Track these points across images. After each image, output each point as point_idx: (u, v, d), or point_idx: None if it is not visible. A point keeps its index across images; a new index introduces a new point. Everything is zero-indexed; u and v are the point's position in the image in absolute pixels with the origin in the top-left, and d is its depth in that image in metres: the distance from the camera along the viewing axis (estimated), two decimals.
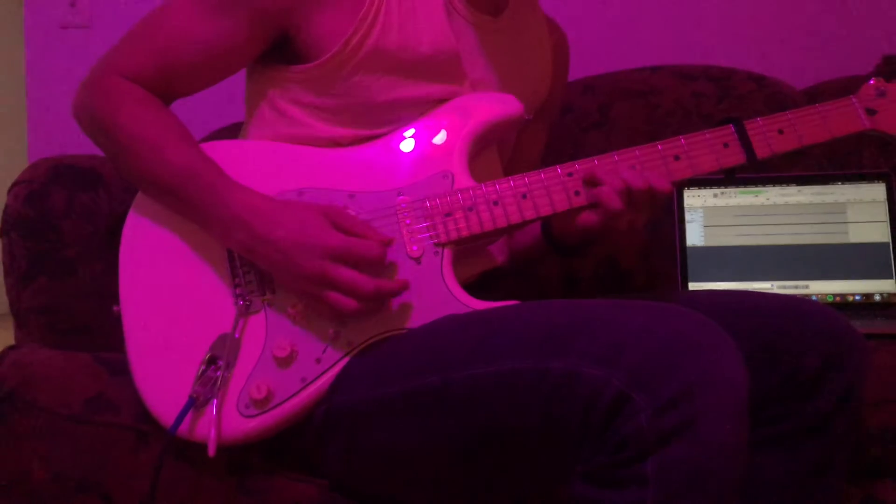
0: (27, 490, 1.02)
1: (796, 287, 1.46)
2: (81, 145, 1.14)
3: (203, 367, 0.97)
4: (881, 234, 1.45)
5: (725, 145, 1.03)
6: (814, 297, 1.44)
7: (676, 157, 1.03)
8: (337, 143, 1.05)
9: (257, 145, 1.07)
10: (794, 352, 0.97)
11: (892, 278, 1.44)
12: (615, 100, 1.66)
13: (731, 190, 1.50)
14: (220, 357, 0.97)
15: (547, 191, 1.01)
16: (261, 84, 1.09)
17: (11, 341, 1.20)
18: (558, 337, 0.85)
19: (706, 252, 1.49)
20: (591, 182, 1.00)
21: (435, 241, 0.99)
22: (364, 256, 0.94)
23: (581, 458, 0.81)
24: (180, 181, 0.99)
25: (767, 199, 1.49)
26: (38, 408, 1.03)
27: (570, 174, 1.02)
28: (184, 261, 1.02)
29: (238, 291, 1.00)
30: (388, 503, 1.00)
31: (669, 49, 1.81)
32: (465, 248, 1.03)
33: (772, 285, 1.46)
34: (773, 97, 1.64)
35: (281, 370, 0.97)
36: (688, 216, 1.50)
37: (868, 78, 1.10)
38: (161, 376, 0.99)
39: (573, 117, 1.63)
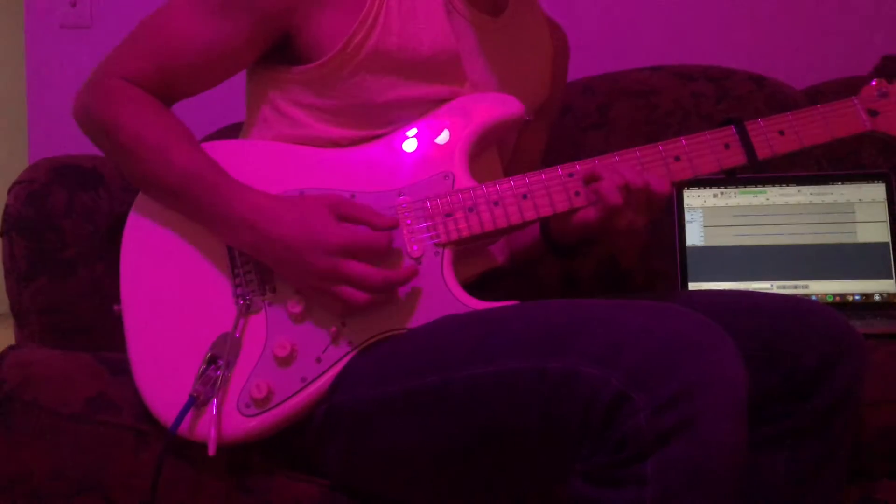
0: (27, 490, 1.02)
1: (796, 287, 1.46)
2: (82, 145, 1.14)
3: (203, 367, 0.97)
4: (881, 234, 1.45)
5: (726, 146, 1.03)
6: (814, 297, 1.44)
7: (677, 158, 1.03)
8: (337, 143, 1.06)
9: (258, 145, 1.08)
10: (794, 351, 0.97)
11: (891, 278, 1.44)
12: (615, 100, 1.66)
13: (730, 190, 1.50)
14: (221, 356, 0.97)
15: (547, 191, 1.01)
16: (261, 85, 1.09)
17: (11, 341, 1.20)
18: (558, 337, 0.85)
19: (706, 252, 1.49)
20: (591, 178, 1.00)
21: (435, 241, 1.00)
22: (371, 247, 0.95)
23: (580, 458, 0.81)
24: (184, 182, 0.99)
25: (767, 199, 1.49)
26: (38, 407, 1.03)
27: (570, 175, 1.02)
28: (185, 260, 1.02)
29: (239, 291, 1.00)
30: (388, 502, 1.00)
31: (669, 49, 1.81)
32: (465, 249, 1.03)
33: (771, 285, 1.46)
34: (773, 97, 1.64)
35: (281, 369, 0.97)
36: (687, 216, 1.50)
37: (869, 79, 1.10)
38: (162, 375, 0.99)
39: (573, 117, 1.63)
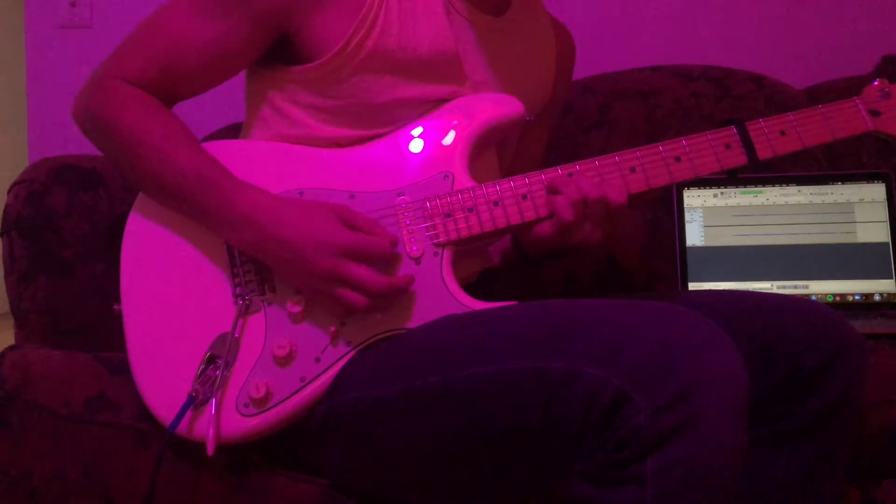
0: (27, 490, 1.02)
1: (796, 287, 1.46)
2: (81, 145, 1.14)
3: (202, 366, 0.97)
4: (881, 234, 1.45)
5: (727, 146, 1.03)
6: (814, 297, 1.44)
7: (678, 159, 1.02)
8: (337, 143, 1.06)
9: (257, 145, 1.08)
10: (794, 352, 0.97)
11: (891, 278, 1.44)
12: (615, 100, 1.66)
13: (730, 190, 1.50)
14: (220, 356, 0.97)
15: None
16: (260, 85, 1.09)
17: (11, 341, 1.20)
18: (558, 337, 0.85)
19: (706, 252, 1.49)
20: (551, 190, 1.00)
21: (435, 241, 1.00)
22: (374, 253, 0.95)
23: (580, 458, 0.81)
24: (186, 183, 0.99)
25: (767, 199, 1.49)
26: (38, 407, 1.03)
27: (570, 175, 1.01)
28: (184, 260, 1.02)
29: (238, 291, 1.00)
30: (387, 502, 1.00)
31: (669, 49, 1.81)
32: (464, 249, 1.03)
33: (772, 285, 1.46)
34: (773, 97, 1.64)
35: (280, 369, 0.97)
36: (688, 216, 1.50)
37: (870, 79, 1.10)
38: (161, 374, 0.99)
39: (573, 117, 1.63)
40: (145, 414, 1.00)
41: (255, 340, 0.98)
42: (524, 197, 1.01)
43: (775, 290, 1.46)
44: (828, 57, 1.80)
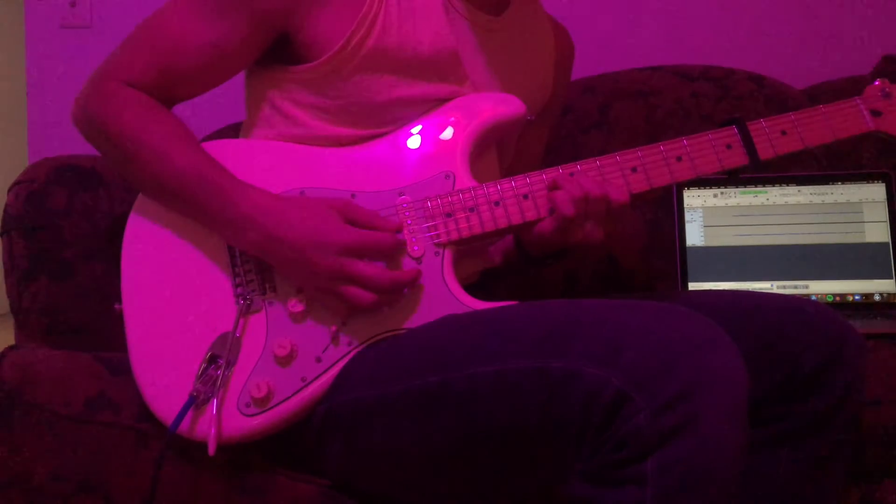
0: (27, 490, 1.02)
1: (796, 287, 1.46)
2: (82, 145, 1.13)
3: (204, 366, 0.97)
4: (881, 233, 1.45)
5: (728, 146, 1.03)
6: (814, 297, 1.44)
7: (679, 159, 1.03)
8: (338, 142, 1.05)
9: (258, 144, 1.08)
10: (794, 352, 0.97)
11: (891, 278, 1.44)
12: (615, 100, 1.66)
13: (730, 190, 1.50)
14: (221, 356, 0.97)
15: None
16: (260, 84, 1.09)
17: (11, 341, 1.20)
18: (558, 337, 0.85)
19: (706, 252, 1.49)
20: (553, 187, 1.00)
21: (436, 241, 1.00)
22: (378, 248, 0.95)
23: (580, 458, 0.81)
24: (188, 184, 0.99)
25: (767, 199, 1.49)
26: (38, 407, 1.03)
27: (571, 174, 1.01)
28: (185, 260, 1.02)
29: (239, 290, 1.00)
30: (388, 502, 1.00)
31: (669, 49, 1.81)
32: (465, 249, 1.03)
33: (772, 285, 1.46)
34: (773, 97, 1.64)
35: (281, 369, 0.97)
36: (688, 216, 1.50)
37: (870, 79, 1.10)
38: (162, 374, 0.99)
39: (573, 117, 1.63)
40: (145, 414, 1.00)
41: (257, 340, 0.98)
42: (525, 197, 1.01)
43: (775, 290, 1.46)
44: (828, 57, 1.80)
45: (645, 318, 0.83)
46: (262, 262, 1.00)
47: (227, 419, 0.96)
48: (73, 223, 1.23)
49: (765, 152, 1.03)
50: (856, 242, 1.46)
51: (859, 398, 1.00)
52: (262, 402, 0.96)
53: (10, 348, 1.12)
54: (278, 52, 1.06)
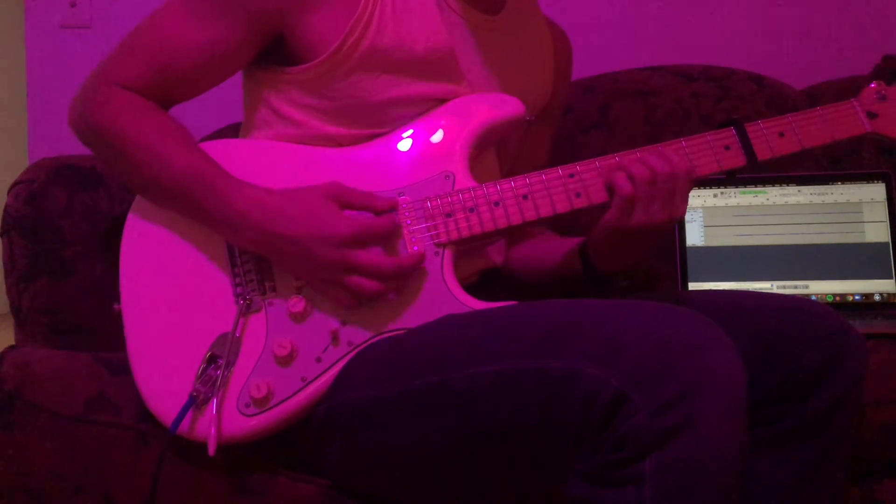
0: (27, 490, 1.02)
1: (796, 287, 1.46)
2: (81, 145, 1.13)
3: (203, 366, 0.97)
4: (881, 233, 1.45)
5: (726, 147, 1.03)
6: (814, 297, 1.44)
7: None
8: (336, 142, 1.06)
9: (256, 144, 1.08)
10: (793, 352, 0.97)
11: (891, 278, 1.44)
12: (615, 100, 1.66)
13: (730, 190, 1.50)
14: (221, 356, 0.97)
15: (548, 192, 1.01)
16: (257, 85, 1.09)
17: (11, 341, 1.20)
18: (557, 337, 0.85)
19: (706, 252, 1.49)
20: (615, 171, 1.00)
21: (435, 241, 1.00)
22: (378, 234, 0.96)
23: (580, 458, 0.81)
24: (185, 185, 0.99)
25: (767, 199, 1.49)
26: (38, 408, 1.03)
27: (571, 175, 1.02)
28: (185, 259, 1.02)
29: (238, 290, 1.00)
30: (387, 502, 1.00)
31: (669, 49, 1.81)
32: (465, 249, 1.03)
33: (772, 285, 1.46)
34: (773, 97, 1.64)
35: (281, 369, 0.97)
36: (687, 216, 1.50)
37: (869, 80, 1.10)
38: (162, 375, 0.99)
39: (573, 117, 1.63)
40: (145, 414, 1.00)
41: (256, 340, 0.98)
42: (525, 197, 1.01)
43: (775, 290, 1.46)
44: (828, 57, 1.80)
45: (644, 318, 0.83)
46: (262, 261, 1.00)
47: (227, 419, 0.96)
48: (73, 223, 1.23)
49: (762, 154, 1.04)
50: (856, 242, 1.46)
51: (859, 398, 1.00)
52: (262, 403, 0.96)
53: (10, 348, 1.12)
54: (274, 53, 1.06)
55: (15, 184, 1.24)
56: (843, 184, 1.48)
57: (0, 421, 1.03)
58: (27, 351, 1.11)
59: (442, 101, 1.06)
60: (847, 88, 1.10)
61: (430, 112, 1.06)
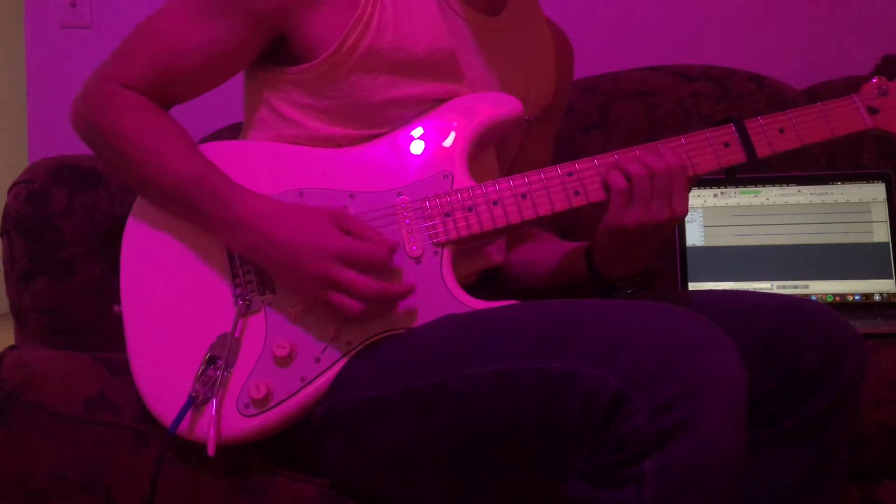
0: (27, 490, 1.02)
1: (796, 287, 1.46)
2: (81, 145, 1.13)
3: (203, 367, 0.97)
4: (881, 234, 1.45)
5: (726, 144, 1.03)
6: (814, 297, 1.44)
7: None
8: (335, 143, 1.06)
9: (257, 146, 1.08)
10: (793, 352, 0.97)
11: (891, 278, 1.44)
12: (615, 100, 1.66)
13: (730, 190, 1.50)
14: (220, 356, 0.97)
15: (546, 190, 1.01)
16: (258, 86, 1.09)
17: (11, 341, 1.20)
18: (557, 337, 0.85)
19: (706, 252, 1.49)
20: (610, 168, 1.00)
21: (434, 240, 1.00)
22: (370, 259, 0.94)
23: (579, 458, 0.81)
24: (184, 187, 0.99)
25: (767, 199, 1.49)
26: (38, 408, 1.03)
27: (569, 174, 1.02)
28: (184, 261, 1.02)
29: (238, 291, 1.00)
30: (387, 502, 1.00)
31: (669, 49, 1.81)
32: (464, 248, 1.03)
33: (771, 285, 1.46)
34: (773, 97, 1.64)
35: (280, 369, 0.97)
36: (687, 216, 1.50)
37: (870, 77, 1.10)
38: (161, 375, 0.99)
39: (573, 117, 1.63)
40: (145, 414, 1.00)
41: (256, 341, 0.98)
42: (523, 196, 1.01)
43: (775, 290, 1.46)
44: (828, 57, 1.80)
45: (644, 318, 0.83)
46: (259, 265, 1.00)
47: (227, 420, 0.96)
48: (73, 223, 1.23)
49: (762, 150, 1.03)
50: (856, 242, 1.46)
51: (859, 398, 0.99)
52: (262, 403, 0.96)
53: (10, 348, 1.12)
54: (275, 53, 1.06)
55: (15, 184, 1.24)
56: (843, 184, 1.48)
57: (0, 421, 1.03)
58: (27, 351, 1.11)
59: (442, 101, 1.06)
60: (847, 88, 1.10)
61: (428, 112, 1.06)
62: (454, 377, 0.89)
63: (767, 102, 1.62)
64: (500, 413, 0.87)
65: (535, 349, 0.85)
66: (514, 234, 1.21)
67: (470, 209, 1.00)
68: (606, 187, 0.99)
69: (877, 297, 1.43)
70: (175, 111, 1.07)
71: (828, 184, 1.48)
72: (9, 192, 1.23)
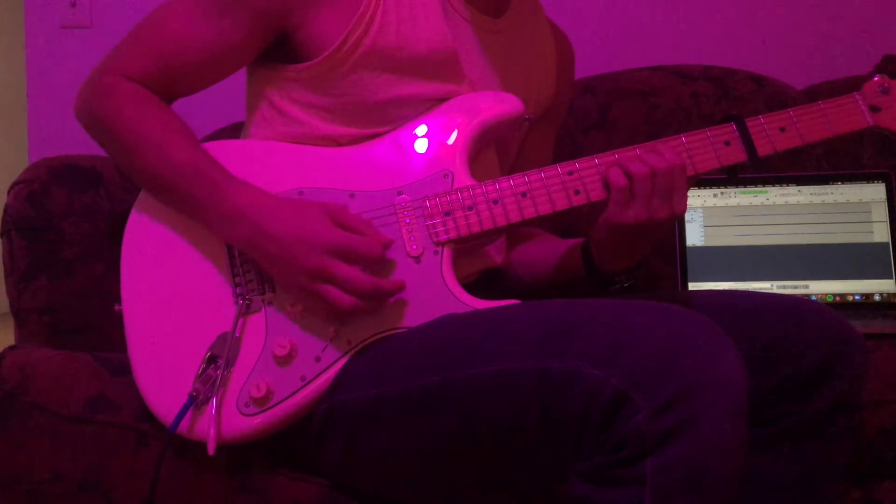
0: (27, 490, 1.02)
1: (796, 287, 1.46)
2: (81, 145, 1.14)
3: (203, 366, 0.97)
4: (881, 234, 1.45)
5: (727, 143, 1.03)
6: (814, 297, 1.44)
7: None
8: (336, 142, 1.06)
9: (257, 145, 1.08)
10: (794, 352, 0.97)
11: (891, 278, 1.44)
12: (615, 100, 1.66)
13: (730, 190, 1.50)
14: (220, 356, 0.97)
15: (547, 189, 1.01)
16: (260, 83, 1.10)
17: (11, 341, 1.20)
18: (558, 336, 0.85)
19: (706, 252, 1.49)
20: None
21: (435, 240, 1.00)
22: (363, 254, 0.95)
23: (580, 458, 0.81)
24: (183, 178, 0.99)
25: (767, 199, 1.49)
26: (38, 408, 1.03)
27: (570, 173, 1.01)
28: (185, 260, 1.02)
29: (238, 290, 1.00)
30: (387, 502, 1.00)
31: (669, 49, 1.81)
32: (465, 247, 1.03)
33: (772, 285, 1.47)
34: (773, 97, 1.64)
35: (280, 369, 0.97)
36: (687, 216, 1.50)
37: (871, 76, 1.10)
38: (162, 374, 0.99)
39: (573, 117, 1.63)
40: (145, 414, 1.00)
41: (256, 340, 0.98)
42: (524, 195, 1.01)
43: (775, 290, 1.46)
44: (828, 57, 1.80)
45: (645, 318, 0.83)
46: (254, 259, 1.00)
47: (227, 419, 0.96)
48: (73, 223, 1.23)
49: (763, 149, 1.03)
50: (856, 242, 1.46)
51: (859, 398, 0.99)
52: (262, 402, 0.96)
53: (10, 348, 1.12)
54: (278, 50, 1.06)
55: (15, 184, 1.24)
56: (843, 184, 1.48)
57: (0, 421, 1.03)
58: (27, 351, 1.11)
59: (443, 101, 1.06)
60: (847, 88, 1.09)
61: (429, 111, 1.06)
62: (455, 377, 0.89)
63: (767, 102, 1.62)
64: (500, 413, 0.86)
65: (535, 349, 0.85)
66: (514, 234, 1.21)
67: (470, 208, 1.00)
68: (606, 185, 0.99)
69: (877, 297, 1.43)
70: (177, 110, 1.07)
71: (828, 184, 1.48)
72: (9, 192, 1.23)
